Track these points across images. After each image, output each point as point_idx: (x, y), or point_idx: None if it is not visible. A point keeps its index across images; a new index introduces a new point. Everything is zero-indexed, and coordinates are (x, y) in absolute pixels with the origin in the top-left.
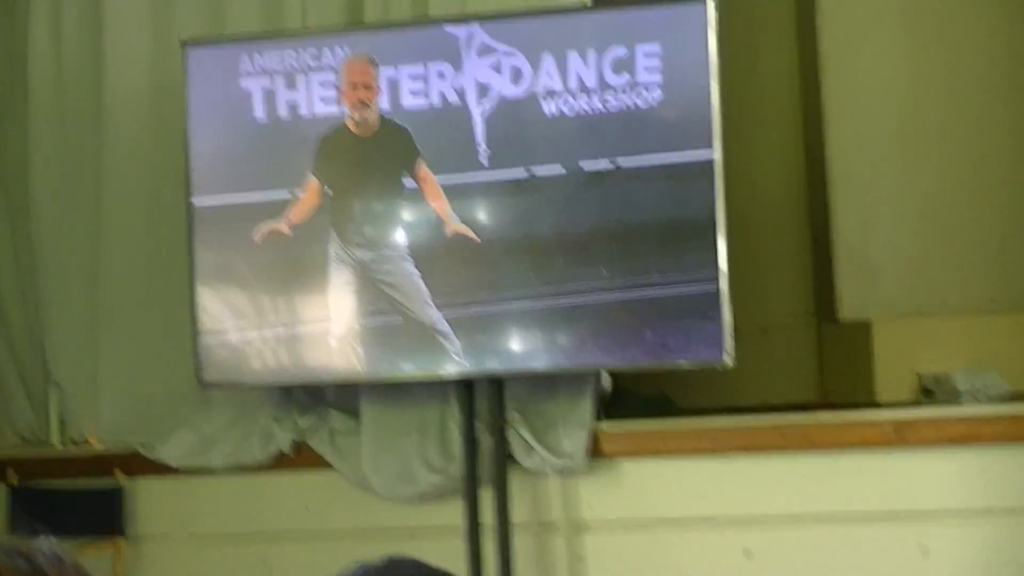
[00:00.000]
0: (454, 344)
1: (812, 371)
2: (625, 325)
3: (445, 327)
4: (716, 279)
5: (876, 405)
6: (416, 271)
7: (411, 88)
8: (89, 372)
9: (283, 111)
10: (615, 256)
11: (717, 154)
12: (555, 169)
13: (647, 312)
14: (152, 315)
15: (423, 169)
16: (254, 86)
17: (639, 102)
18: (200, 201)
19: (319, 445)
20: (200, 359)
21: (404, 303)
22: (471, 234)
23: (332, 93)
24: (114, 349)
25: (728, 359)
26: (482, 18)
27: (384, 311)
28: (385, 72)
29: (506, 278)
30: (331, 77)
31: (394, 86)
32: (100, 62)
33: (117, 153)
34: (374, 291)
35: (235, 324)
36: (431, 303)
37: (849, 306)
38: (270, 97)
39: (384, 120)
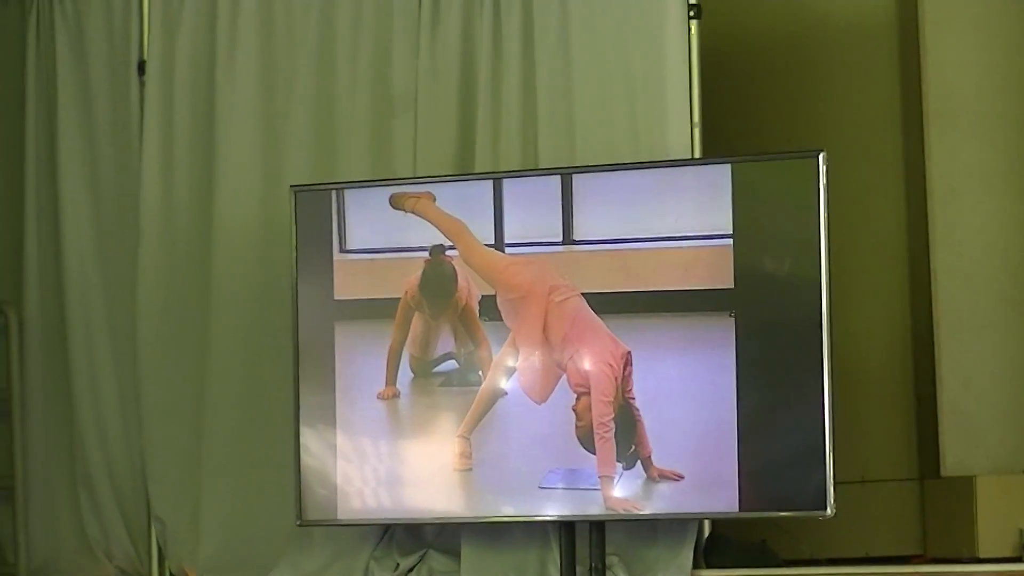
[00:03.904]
0: None
1: (914, 525)
2: (728, 473)
3: None
4: (821, 431)
5: (978, 560)
6: None
7: None
8: (190, 507)
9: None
10: None
11: (824, 308)
12: None
13: (750, 461)
14: (254, 452)
15: None
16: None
17: None
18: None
19: None
20: (300, 497)
21: None
22: None
23: None
24: (216, 485)
25: (830, 510)
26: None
27: None
28: None
29: None
30: None
31: None
32: (210, 201)
33: (225, 291)
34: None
35: (336, 463)
36: None
37: (953, 462)
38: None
39: None
